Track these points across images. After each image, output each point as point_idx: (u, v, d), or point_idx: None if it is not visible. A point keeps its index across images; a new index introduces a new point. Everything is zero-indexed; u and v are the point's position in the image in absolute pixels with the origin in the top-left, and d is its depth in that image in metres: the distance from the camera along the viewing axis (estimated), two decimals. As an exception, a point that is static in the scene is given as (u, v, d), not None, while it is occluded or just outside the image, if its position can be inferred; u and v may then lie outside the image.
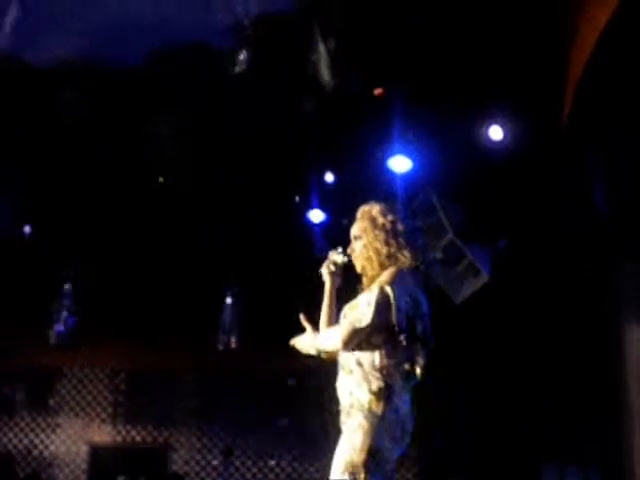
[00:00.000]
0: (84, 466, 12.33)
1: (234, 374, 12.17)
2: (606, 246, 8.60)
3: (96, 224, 9.50)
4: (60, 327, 10.75)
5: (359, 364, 3.35)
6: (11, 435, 12.36)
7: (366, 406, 3.29)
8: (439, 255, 8.36)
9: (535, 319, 9.95)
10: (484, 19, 6.91)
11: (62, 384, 12.65)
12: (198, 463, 12.39)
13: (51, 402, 12.56)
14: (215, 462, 12.29)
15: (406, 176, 8.16)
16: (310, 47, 7.37)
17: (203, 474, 12.27)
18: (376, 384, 3.31)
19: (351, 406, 3.33)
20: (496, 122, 7.65)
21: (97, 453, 12.45)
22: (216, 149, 8.57)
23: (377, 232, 3.52)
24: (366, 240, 3.54)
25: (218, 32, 7.26)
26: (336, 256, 3.72)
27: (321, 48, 7.32)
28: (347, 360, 3.40)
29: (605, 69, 6.22)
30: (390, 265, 3.45)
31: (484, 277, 8.43)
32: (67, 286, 10.72)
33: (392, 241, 3.49)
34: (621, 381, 9.32)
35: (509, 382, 10.52)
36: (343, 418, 3.38)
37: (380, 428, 3.27)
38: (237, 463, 12.23)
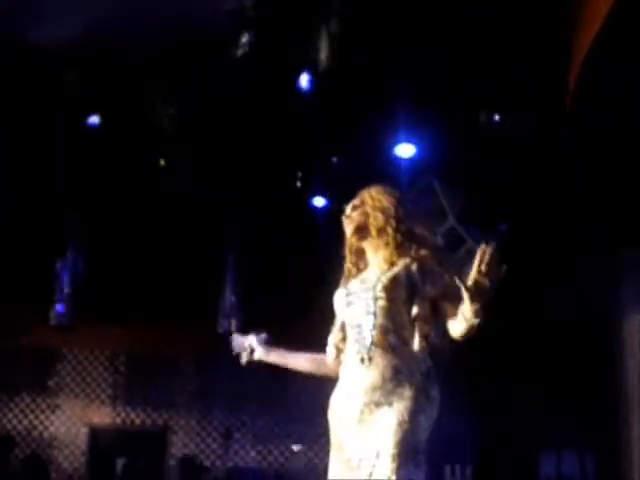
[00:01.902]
0: (83, 447, 12.37)
1: (234, 357, 12.17)
2: (605, 232, 8.61)
3: (97, 206, 9.50)
4: (60, 308, 10.75)
5: (404, 343, 3.23)
6: (10, 416, 12.39)
7: (420, 385, 3.18)
8: (440, 240, 8.36)
9: (533, 306, 9.96)
10: (488, 6, 6.90)
11: (62, 365, 12.68)
12: (197, 446, 12.43)
13: (51, 383, 12.59)
14: (215, 445, 12.34)
15: (410, 162, 8.17)
16: (313, 29, 7.35)
17: (202, 457, 12.30)
18: (425, 364, 3.23)
19: (398, 385, 3.17)
20: (496, 107, 7.66)
21: (97, 435, 12.49)
22: (217, 136, 8.56)
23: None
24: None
25: (220, 14, 7.22)
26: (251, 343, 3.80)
27: (323, 31, 7.30)
28: (385, 335, 3.24)
29: (609, 56, 6.20)
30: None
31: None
32: (68, 266, 10.72)
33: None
34: (619, 367, 9.35)
35: (507, 370, 10.53)
36: (380, 398, 3.18)
37: (431, 409, 3.20)
38: (236, 446, 12.27)
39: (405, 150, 8.30)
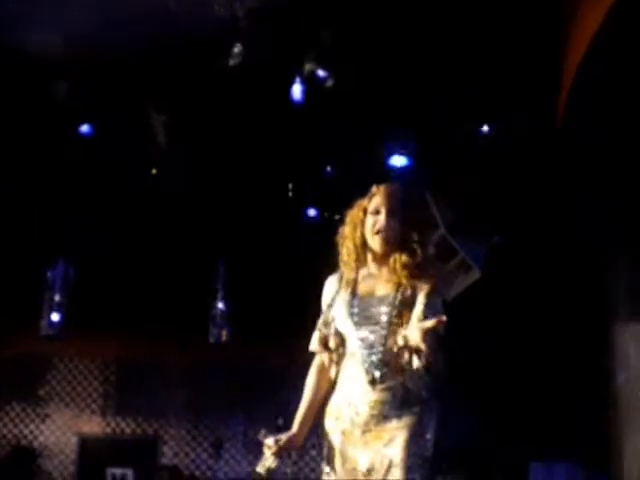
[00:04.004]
0: (73, 457, 12.32)
1: (225, 367, 12.17)
2: (598, 239, 8.63)
3: (89, 214, 9.48)
4: (51, 318, 10.73)
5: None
6: (0, 425, 12.34)
7: (427, 400, 3.21)
8: (431, 250, 8.37)
9: (524, 317, 9.98)
10: (480, 16, 6.92)
11: (52, 375, 12.64)
12: (188, 455, 12.40)
13: (41, 393, 12.55)
14: (205, 455, 12.30)
15: (402, 172, 8.19)
16: (305, 40, 7.36)
17: (193, 466, 12.27)
18: (426, 377, 3.22)
19: (406, 400, 3.18)
20: (489, 118, 7.69)
21: (87, 444, 12.44)
22: (209, 145, 8.57)
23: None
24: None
25: (212, 24, 7.23)
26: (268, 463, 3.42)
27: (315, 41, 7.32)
28: (396, 357, 3.20)
29: (600, 67, 6.24)
30: None
31: (476, 273, 8.44)
32: (58, 276, 10.70)
33: None
34: (610, 380, 9.35)
35: (497, 381, 10.54)
36: (389, 411, 3.18)
37: (436, 423, 3.21)
38: (227, 456, 12.24)
39: (398, 161, 8.32)
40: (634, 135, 7.03)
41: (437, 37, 7.10)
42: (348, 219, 3.49)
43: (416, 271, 3.29)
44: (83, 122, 8.36)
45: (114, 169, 8.83)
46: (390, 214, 3.36)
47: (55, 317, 10.69)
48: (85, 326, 11.26)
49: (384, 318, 3.25)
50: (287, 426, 3.43)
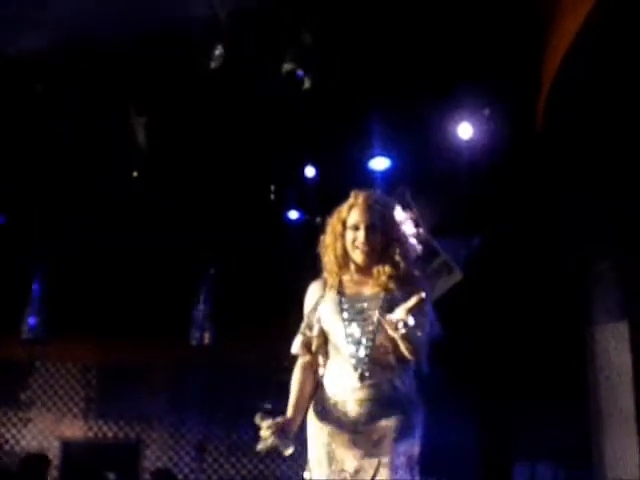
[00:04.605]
0: (55, 461, 12.24)
1: (208, 369, 12.14)
2: (575, 244, 8.68)
3: (68, 218, 9.44)
4: (32, 321, 10.67)
5: (400, 360, 3.25)
6: (-19, 429, 12.29)
7: (415, 400, 3.28)
8: (414, 259, 8.37)
9: (505, 318, 10.00)
10: (459, 17, 6.94)
11: (34, 379, 12.56)
12: (171, 459, 12.36)
13: (23, 397, 12.47)
14: (188, 458, 12.27)
15: (384, 174, 8.20)
16: (287, 40, 7.35)
17: (176, 470, 12.23)
18: (413, 378, 3.30)
19: (395, 399, 3.23)
20: (469, 120, 7.71)
21: (69, 448, 12.39)
22: (191, 144, 8.55)
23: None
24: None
25: (194, 26, 7.21)
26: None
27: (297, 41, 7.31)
28: (384, 355, 3.26)
29: (579, 70, 6.27)
30: None
31: (458, 275, 8.45)
32: (40, 279, 10.66)
33: None
34: (591, 381, 9.39)
35: (478, 381, 10.56)
36: (377, 410, 3.21)
37: (422, 422, 3.28)
38: (210, 459, 12.21)
39: (379, 163, 8.32)
40: (613, 136, 7.08)
41: (417, 38, 7.11)
42: (329, 229, 3.50)
43: (401, 281, 3.33)
44: (61, 123, 8.31)
45: (94, 171, 8.79)
46: (369, 230, 3.39)
47: (36, 321, 10.63)
48: (66, 330, 11.21)
49: (373, 314, 3.28)
50: (276, 413, 3.42)
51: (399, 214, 3.55)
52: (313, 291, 3.51)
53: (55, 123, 8.19)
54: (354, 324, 3.30)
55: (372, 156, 8.29)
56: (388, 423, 3.19)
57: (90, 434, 12.47)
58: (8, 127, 8.16)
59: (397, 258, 3.37)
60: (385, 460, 3.13)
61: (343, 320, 3.32)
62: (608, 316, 8.97)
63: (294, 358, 3.50)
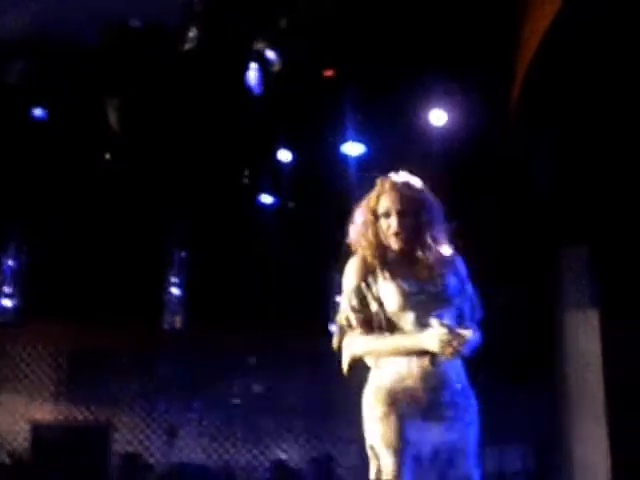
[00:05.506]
0: (26, 444, 12.21)
1: (179, 353, 12.13)
2: (547, 229, 8.75)
3: (39, 202, 9.38)
4: (3, 304, 10.62)
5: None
6: (-49, 413, 12.22)
7: (468, 385, 3.35)
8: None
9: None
10: (434, 5, 6.96)
11: (4, 362, 12.49)
12: (141, 443, 12.35)
13: (-8, 380, 12.42)
14: (159, 442, 12.28)
15: (359, 160, 8.20)
16: (259, 23, 7.33)
17: (146, 454, 12.23)
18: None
19: (459, 386, 3.30)
20: (442, 106, 7.74)
21: (39, 431, 12.35)
22: (164, 127, 8.51)
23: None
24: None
25: (168, 9, 7.18)
26: None
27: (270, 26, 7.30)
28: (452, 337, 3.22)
29: (554, 56, 6.31)
30: None
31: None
32: (10, 262, 10.59)
33: None
34: (559, 365, 9.49)
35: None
36: (447, 397, 3.25)
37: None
38: (181, 443, 12.22)
39: (353, 148, 8.32)
40: (586, 124, 7.14)
41: (393, 25, 7.12)
42: (359, 219, 3.45)
43: (441, 263, 3.37)
44: (35, 106, 8.25)
45: (67, 153, 8.74)
46: (401, 215, 3.36)
47: (7, 303, 10.58)
48: (37, 313, 11.16)
49: (438, 300, 3.30)
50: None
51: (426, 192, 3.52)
52: (357, 268, 3.37)
53: (27, 104, 8.14)
54: (421, 306, 3.27)
55: (346, 141, 8.28)
56: (459, 411, 3.27)
57: (60, 417, 12.44)
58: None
59: (429, 242, 3.37)
60: (463, 446, 3.26)
61: (413, 304, 3.28)
62: (578, 302, 9.07)
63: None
